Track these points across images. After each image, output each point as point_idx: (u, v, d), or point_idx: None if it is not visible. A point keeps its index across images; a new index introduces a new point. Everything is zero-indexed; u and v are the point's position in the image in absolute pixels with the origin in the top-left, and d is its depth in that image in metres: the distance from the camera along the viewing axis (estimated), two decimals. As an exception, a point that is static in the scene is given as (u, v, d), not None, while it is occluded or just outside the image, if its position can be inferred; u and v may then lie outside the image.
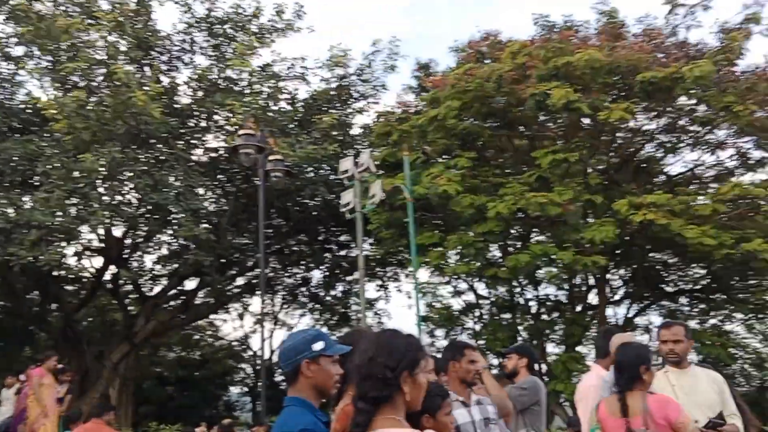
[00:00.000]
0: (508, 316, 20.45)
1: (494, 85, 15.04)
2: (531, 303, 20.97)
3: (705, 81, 13.75)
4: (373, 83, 19.35)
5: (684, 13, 15.82)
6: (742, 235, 14.59)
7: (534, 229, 18.37)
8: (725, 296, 19.45)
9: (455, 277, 19.40)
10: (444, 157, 17.01)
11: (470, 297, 21.77)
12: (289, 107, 18.51)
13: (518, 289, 20.62)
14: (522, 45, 15.69)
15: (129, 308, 22.43)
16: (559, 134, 17.12)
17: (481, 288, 21.07)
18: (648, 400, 4.26)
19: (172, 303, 22.34)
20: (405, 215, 15.03)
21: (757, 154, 16.84)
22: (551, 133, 17.03)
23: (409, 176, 12.26)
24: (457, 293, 22.15)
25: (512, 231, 17.85)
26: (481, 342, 18.34)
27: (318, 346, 2.75)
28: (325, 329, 22.87)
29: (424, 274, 21.32)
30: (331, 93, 18.91)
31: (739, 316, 21.32)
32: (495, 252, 18.99)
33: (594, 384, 5.21)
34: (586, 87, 14.82)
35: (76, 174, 14.70)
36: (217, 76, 17.62)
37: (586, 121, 16.45)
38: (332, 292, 25.16)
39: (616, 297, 21.06)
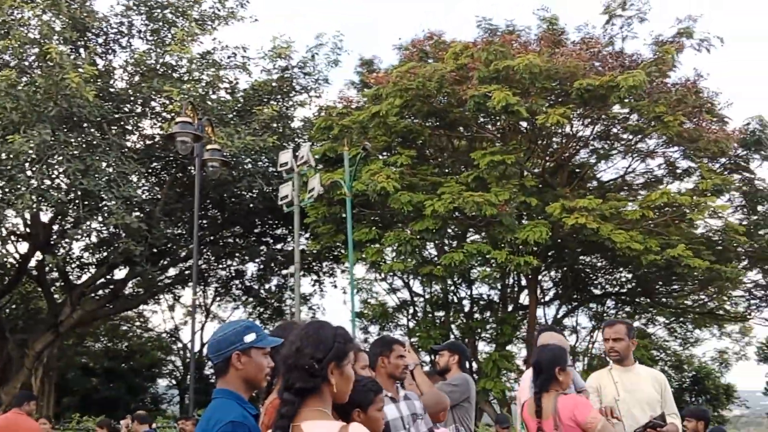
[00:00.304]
0: (441, 314, 20.69)
1: (436, 84, 15.15)
2: (464, 301, 21.30)
3: (638, 91, 14.19)
4: (316, 77, 19.23)
5: (621, 24, 16.29)
6: (667, 242, 15.15)
7: (470, 229, 18.61)
8: (649, 300, 20.16)
9: (391, 274, 19.50)
10: (384, 154, 17.06)
11: (405, 294, 21.97)
12: (228, 97, 18.22)
13: (453, 288, 20.90)
14: (464, 46, 15.87)
15: (54, 296, 21.70)
16: (497, 136, 17.39)
17: (417, 285, 21.30)
18: (558, 401, 4.26)
19: (100, 292, 21.74)
20: (343, 210, 15.06)
21: (684, 164, 17.48)
22: (490, 135, 17.29)
23: (348, 171, 12.24)
24: (393, 290, 22.30)
25: (449, 230, 18.04)
26: (415, 339, 18.48)
27: (249, 337, 2.71)
28: (258, 323, 22.66)
29: (360, 270, 21.39)
30: (273, 84, 18.69)
31: (662, 319, 22.15)
32: (431, 250, 19.19)
33: (528, 384, 5.32)
34: (525, 91, 15.09)
35: (3, 156, 14.12)
36: (155, 62, 17.19)
37: (524, 124, 16.78)
38: (267, 286, 24.97)
39: (547, 298, 21.60)
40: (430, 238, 16.19)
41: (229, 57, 18.14)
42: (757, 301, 18.65)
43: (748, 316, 19.46)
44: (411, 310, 21.95)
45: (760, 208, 17.20)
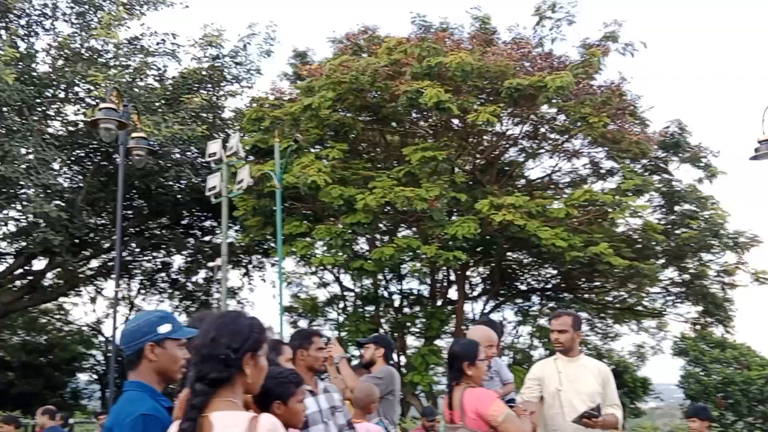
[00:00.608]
0: (371, 308, 20.75)
1: (369, 78, 15.15)
2: (394, 296, 21.42)
3: (565, 92, 14.54)
4: (248, 67, 18.94)
5: (550, 26, 16.65)
6: (590, 239, 15.61)
7: (402, 224, 18.72)
8: (572, 296, 20.74)
9: (321, 268, 19.43)
10: (316, 147, 16.97)
11: (336, 288, 21.93)
12: (156, 84, 17.75)
13: (383, 282, 20.98)
14: (398, 42, 15.91)
15: (-32, 288, 20.70)
16: (429, 133, 17.53)
17: (347, 280, 21.27)
18: (464, 393, 4.33)
19: (17, 283, 20.87)
20: (273, 203, 14.89)
21: (608, 164, 18.02)
22: (422, 131, 17.42)
23: (278, 164, 12.11)
24: (323, 284, 22.22)
25: (380, 224, 18.12)
26: (344, 333, 18.49)
27: (164, 328, 2.63)
28: (184, 317, 22.21)
29: (290, 264, 21.22)
30: (203, 73, 18.32)
31: (585, 315, 22.80)
32: (363, 245, 19.22)
33: None
34: (457, 88, 15.26)
35: None
36: (80, 46, 16.60)
37: (456, 122, 16.98)
38: (193, 279, 24.46)
39: (475, 293, 21.95)
40: (362, 232, 16.21)
41: (158, 43, 17.69)
42: (673, 297, 19.41)
43: (664, 312, 20.25)
44: (341, 305, 21.93)
45: (677, 208, 17.88)
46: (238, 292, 24.38)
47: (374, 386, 5.51)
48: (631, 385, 21.29)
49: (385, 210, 16.10)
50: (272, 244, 18.51)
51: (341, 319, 21.22)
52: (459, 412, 4.32)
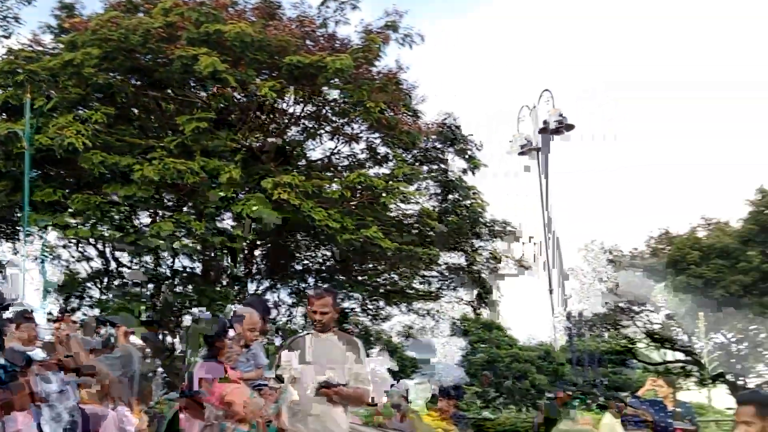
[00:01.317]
0: (145, 286, 19.62)
1: (140, 39, 14.17)
2: (167, 274, 20.42)
3: (344, 74, 14.65)
4: (4, 14, 16.94)
5: (335, 8, 16.69)
6: (363, 222, 15.94)
7: (184, 199, 17.85)
8: (346, 278, 21.15)
9: (82, 240, 17.95)
10: (79, 108, 15.54)
11: (99, 263, 20.38)
12: None
13: (155, 259, 19.90)
14: (175, 3, 15.04)
15: None
16: (207, 103, 16.82)
17: (116, 255, 19.84)
18: (198, 366, 4.40)
19: None
20: (23, 166, 13.44)
21: (384, 150, 18.51)
22: (199, 101, 16.66)
23: (29, 123, 10.94)
24: (86, 258, 20.58)
25: (157, 198, 17.15)
26: (109, 312, 17.27)
27: None
28: None
29: (51, 236, 19.36)
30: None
31: (358, 296, 23.42)
32: (144, 219, 18.04)
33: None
34: (237, 60, 14.77)
35: None
36: None
37: (237, 95, 16.46)
38: None
39: (251, 272, 21.59)
40: (136, 204, 15.18)
41: None
42: (448, 281, 20.54)
43: (437, 295, 21.37)
44: (105, 281, 20.46)
45: (450, 196, 18.86)
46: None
47: (108, 367, 5.24)
48: (399, 364, 22.23)
49: (167, 183, 15.21)
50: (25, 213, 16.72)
51: (104, 296, 19.80)
52: (188, 384, 4.37)
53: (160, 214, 16.95)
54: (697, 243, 30.62)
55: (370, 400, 5.10)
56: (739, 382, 31.51)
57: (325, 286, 19.74)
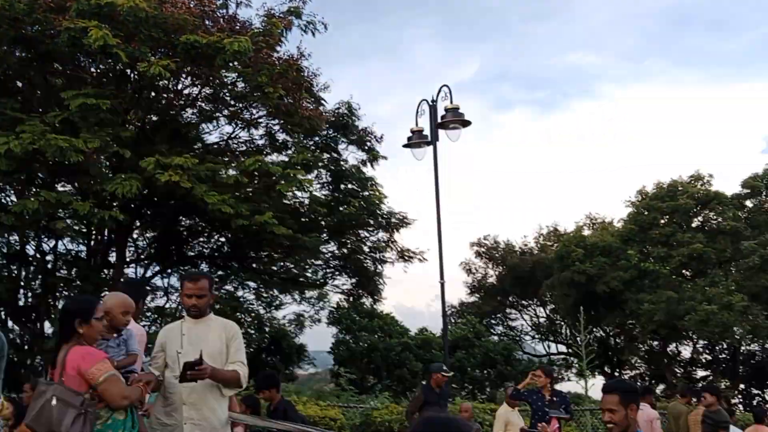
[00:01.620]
0: (13, 268, 18.58)
1: (26, 8, 13.38)
2: (48, 256, 19.43)
3: (243, 57, 14.35)
4: None
5: (237, -12, 16.33)
6: (258, 208, 15.73)
7: (62, 177, 16.99)
8: (240, 265, 20.87)
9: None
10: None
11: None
12: None
13: (29, 240, 18.89)
14: (63, -27, 14.27)
15: None
16: (97, 79, 16.10)
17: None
18: (69, 351, 4.16)
19: None
20: None
21: (283, 137, 18.32)
22: (87, 76, 15.91)
23: None
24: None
25: (39, 175, 16.27)
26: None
27: None
28: None
29: None
30: None
31: (252, 284, 23.16)
32: (12, 196, 17.03)
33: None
34: (130, 35, 14.19)
35: None
36: None
37: (130, 72, 15.82)
38: None
39: (141, 256, 20.91)
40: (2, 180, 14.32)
41: None
42: (332, 270, 20.57)
43: (323, 283, 21.39)
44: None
45: (342, 186, 18.90)
46: None
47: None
48: (287, 352, 22.17)
49: (37, 158, 14.42)
50: None
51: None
52: (60, 369, 4.12)
53: (34, 192, 16.10)
54: (582, 241, 32.15)
55: (245, 383, 5.03)
56: (616, 374, 33.38)
57: (203, 269, 19.47)
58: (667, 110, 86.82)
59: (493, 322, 38.47)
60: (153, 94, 16.93)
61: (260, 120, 18.21)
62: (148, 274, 20.14)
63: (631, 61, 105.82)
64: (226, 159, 18.53)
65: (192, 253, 21.28)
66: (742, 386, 33.04)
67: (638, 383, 31.71)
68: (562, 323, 37.14)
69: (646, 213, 31.28)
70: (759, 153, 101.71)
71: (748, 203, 31.43)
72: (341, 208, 18.39)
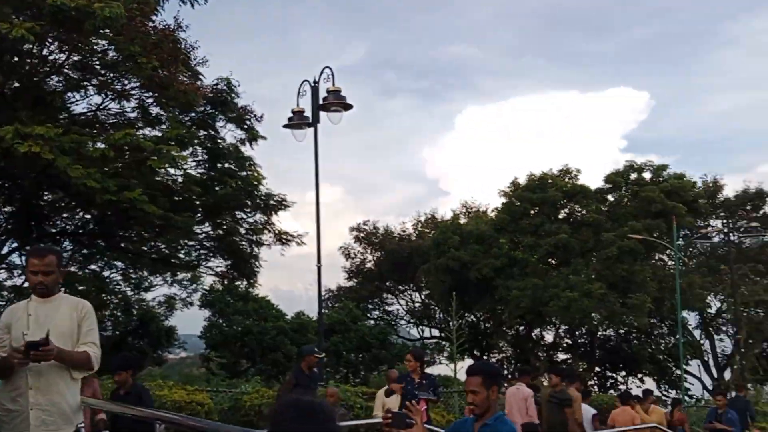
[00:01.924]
0: None
1: None
2: None
3: (115, 24, 13.58)
4: None
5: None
6: (127, 184, 14.96)
7: None
8: (107, 243, 19.86)
9: None
10: None
11: None
12: None
13: None
14: None
15: None
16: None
17: None
18: None
19: None
20: None
21: (156, 111, 17.50)
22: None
23: None
24: None
25: None
26: None
27: None
28: None
29: None
30: None
31: (120, 264, 22.13)
32: None
33: None
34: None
35: None
36: None
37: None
38: None
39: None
40: None
41: None
42: (206, 251, 19.96)
43: (197, 265, 20.73)
44: None
45: (219, 165, 18.33)
46: None
47: None
48: (156, 335, 21.40)
49: None
50: None
51: None
52: None
53: None
54: (459, 228, 33.09)
55: (97, 365, 4.70)
56: (484, 357, 34.68)
57: (50, 245, 18.41)
58: (543, 105, 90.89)
59: (369, 306, 38.89)
60: (15, 58, 15.75)
61: (132, 92, 17.30)
62: (5, 250, 18.78)
63: (509, 56, 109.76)
64: (94, 131, 17.53)
65: (54, 230, 20.02)
66: (597, 369, 35.30)
67: (504, 366, 33.17)
68: (437, 308, 38.10)
69: (518, 204, 32.58)
70: (619, 151, 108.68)
71: (610, 197, 33.48)
72: (217, 188, 17.82)
